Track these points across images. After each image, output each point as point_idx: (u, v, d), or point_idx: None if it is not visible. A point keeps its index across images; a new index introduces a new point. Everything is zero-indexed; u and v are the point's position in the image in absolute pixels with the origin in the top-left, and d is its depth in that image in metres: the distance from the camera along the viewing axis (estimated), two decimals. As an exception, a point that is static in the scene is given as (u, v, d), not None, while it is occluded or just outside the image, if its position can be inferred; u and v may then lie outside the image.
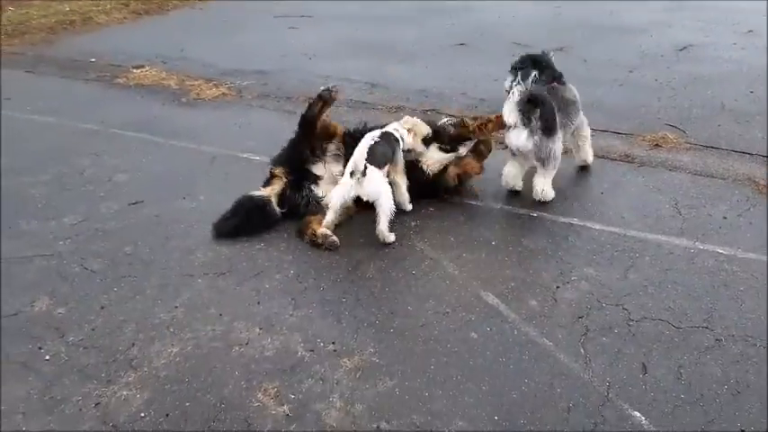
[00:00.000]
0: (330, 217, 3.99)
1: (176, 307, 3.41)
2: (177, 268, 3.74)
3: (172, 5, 10.47)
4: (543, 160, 4.31)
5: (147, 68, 7.25)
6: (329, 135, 4.36)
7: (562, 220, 4.21)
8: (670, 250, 3.88)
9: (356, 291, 3.53)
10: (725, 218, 4.21)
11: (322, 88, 4.28)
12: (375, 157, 3.92)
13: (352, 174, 3.88)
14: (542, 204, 4.38)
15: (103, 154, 5.16)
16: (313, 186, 4.25)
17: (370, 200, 3.90)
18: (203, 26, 9.37)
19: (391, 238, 3.92)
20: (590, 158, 4.91)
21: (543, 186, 4.39)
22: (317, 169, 4.32)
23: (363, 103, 6.29)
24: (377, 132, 4.13)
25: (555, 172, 4.43)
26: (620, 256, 3.82)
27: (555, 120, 4.28)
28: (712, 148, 5.21)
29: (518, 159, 4.45)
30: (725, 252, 3.85)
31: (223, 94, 6.51)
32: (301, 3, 10.58)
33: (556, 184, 4.58)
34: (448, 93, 6.51)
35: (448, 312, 3.35)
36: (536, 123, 4.21)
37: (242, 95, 6.51)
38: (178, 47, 8.14)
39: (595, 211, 4.31)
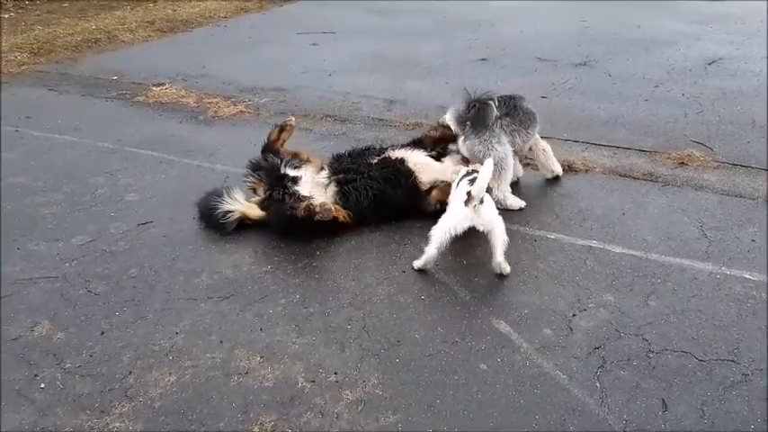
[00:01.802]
0: (432, 252, 3.66)
1: (177, 333, 3.32)
2: (181, 291, 3.65)
3: (196, 23, 10.52)
4: None
5: (168, 86, 7.25)
6: (300, 159, 4.51)
7: (580, 242, 4.04)
8: (694, 276, 3.69)
9: (363, 317, 3.40)
10: (753, 241, 4.00)
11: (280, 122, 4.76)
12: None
13: (466, 202, 3.61)
14: (561, 226, 4.22)
15: (117, 173, 5.13)
16: (295, 187, 4.22)
17: (485, 230, 3.65)
18: (227, 43, 9.39)
19: (508, 269, 3.69)
20: (557, 169, 4.85)
21: (495, 192, 4.32)
22: (294, 172, 4.34)
23: (380, 120, 6.19)
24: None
25: (506, 178, 4.38)
26: (640, 282, 3.64)
27: (484, 122, 4.26)
28: (741, 166, 4.99)
29: None
30: (753, 278, 3.64)
31: (240, 111, 6.47)
32: (325, 19, 10.58)
33: (575, 204, 4.45)
34: (467, 109, 6.38)
35: (457, 341, 3.21)
36: (469, 129, 4.31)
37: (259, 113, 6.46)
38: (200, 64, 8.15)
39: (616, 232, 4.13)
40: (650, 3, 11.08)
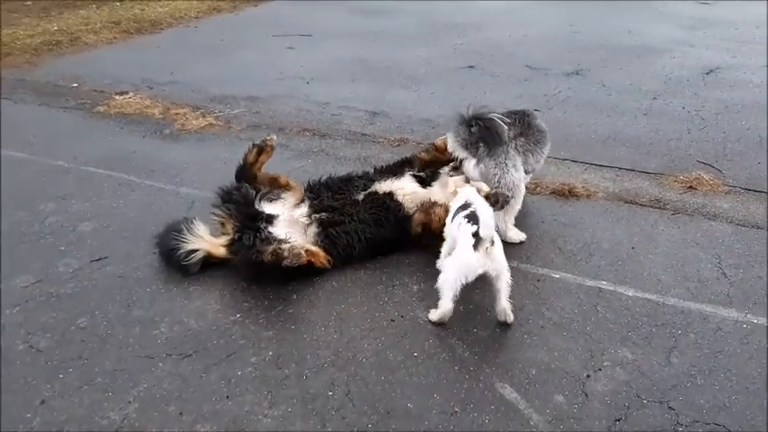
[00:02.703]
0: (448, 306, 3.17)
1: (130, 402, 2.84)
2: (137, 347, 3.17)
3: (166, 24, 9.95)
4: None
5: (132, 95, 6.72)
6: (279, 186, 4.06)
7: (589, 283, 3.62)
8: (718, 325, 3.29)
9: (346, 380, 2.95)
10: (779, 282, 3.62)
11: (258, 141, 4.19)
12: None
13: (475, 245, 3.09)
14: (565, 262, 3.80)
15: (71, 197, 4.61)
16: (270, 228, 3.71)
17: (495, 274, 3.15)
18: (197, 46, 8.85)
19: (512, 317, 3.25)
20: None
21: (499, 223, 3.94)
22: (271, 208, 3.85)
23: (363, 135, 5.73)
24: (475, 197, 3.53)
25: (516, 208, 3.98)
26: (659, 334, 3.23)
27: (497, 141, 3.84)
28: (753, 191, 4.62)
29: None
30: (785, 329, 3.25)
31: (210, 124, 5.96)
32: (302, 20, 10.07)
33: (579, 236, 4.04)
34: (456, 123, 5.93)
35: (456, 412, 2.77)
36: (483, 150, 3.88)
37: (230, 126, 5.96)
38: (168, 70, 7.62)
39: (627, 271, 3.72)
40: (637, 3, 10.73)
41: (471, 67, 7.67)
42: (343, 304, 3.47)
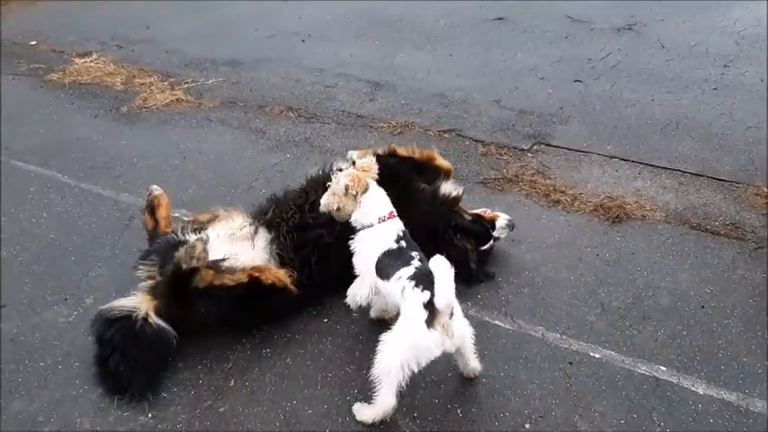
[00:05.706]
0: (390, 402, 2.29)
1: None
2: (1, 472, 2.28)
3: (155, -37, 8.76)
4: None
5: (95, 57, 5.71)
6: (203, 221, 3.03)
7: (642, 369, 2.59)
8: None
9: None
10: None
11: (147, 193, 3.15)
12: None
13: (430, 321, 2.19)
14: (610, 331, 2.76)
15: (-16, 208, 3.69)
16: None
17: (455, 349, 2.35)
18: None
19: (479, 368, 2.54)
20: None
21: None
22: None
23: (359, 116, 4.63)
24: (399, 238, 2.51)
25: None
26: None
27: None
28: None
29: None
30: None
31: (177, 100, 4.92)
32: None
33: (632, 287, 2.99)
34: (476, 99, 4.79)
35: None
36: None
37: (201, 102, 4.91)
38: (145, 23, 6.55)
39: (696, 349, 2.68)
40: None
41: (500, 19, 6.42)
42: (295, 398, 2.51)
